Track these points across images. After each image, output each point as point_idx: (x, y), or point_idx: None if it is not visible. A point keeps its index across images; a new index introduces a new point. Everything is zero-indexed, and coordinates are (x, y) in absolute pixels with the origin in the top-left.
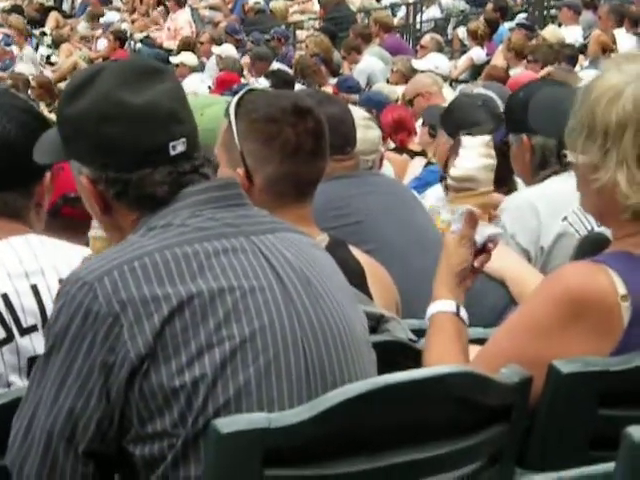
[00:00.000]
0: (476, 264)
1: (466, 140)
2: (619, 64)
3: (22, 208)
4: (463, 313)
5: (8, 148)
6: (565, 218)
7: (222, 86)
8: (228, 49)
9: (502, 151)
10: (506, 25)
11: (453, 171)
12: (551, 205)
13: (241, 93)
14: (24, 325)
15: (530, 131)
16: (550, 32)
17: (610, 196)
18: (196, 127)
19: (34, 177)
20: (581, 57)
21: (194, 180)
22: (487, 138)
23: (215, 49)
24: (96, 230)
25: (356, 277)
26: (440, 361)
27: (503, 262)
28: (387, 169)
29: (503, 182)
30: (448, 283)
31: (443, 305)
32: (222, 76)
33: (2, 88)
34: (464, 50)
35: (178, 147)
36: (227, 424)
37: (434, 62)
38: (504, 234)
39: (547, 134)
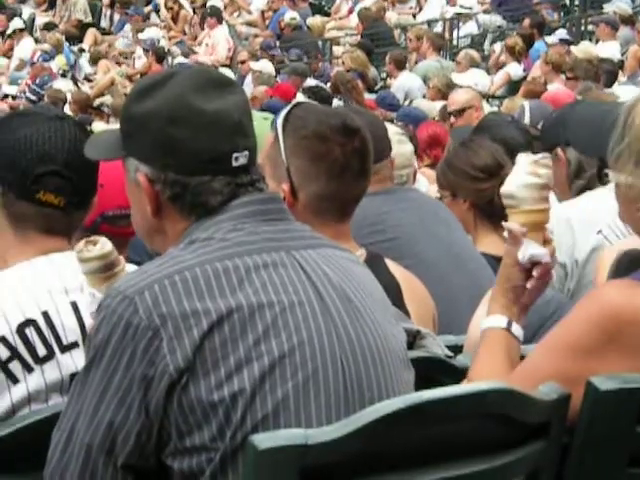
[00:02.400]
0: (528, 285)
1: (518, 157)
2: None
3: (63, 224)
4: (515, 329)
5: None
6: (600, 231)
7: (280, 92)
8: (266, 65)
9: None
10: (547, 39)
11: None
12: (586, 219)
13: (289, 107)
14: (64, 342)
15: (564, 143)
16: (582, 49)
17: None
18: (256, 142)
19: (88, 194)
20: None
21: (249, 193)
22: (537, 156)
23: (254, 65)
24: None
25: (392, 292)
26: (483, 376)
27: None
28: (422, 184)
29: None
30: (500, 299)
31: (494, 320)
32: (282, 85)
33: (46, 106)
34: (500, 66)
35: (240, 159)
36: (265, 440)
37: (474, 79)
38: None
39: (588, 153)
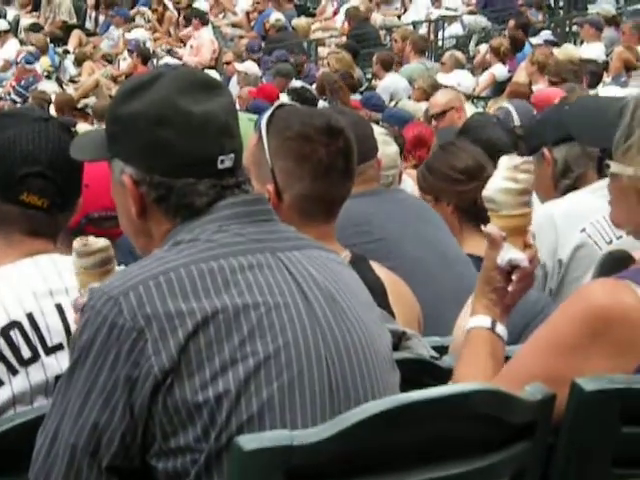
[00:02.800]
0: (509, 289)
1: (500, 161)
2: None
3: (48, 226)
4: (500, 329)
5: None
6: (584, 230)
7: (263, 93)
8: (251, 67)
9: None
10: (532, 40)
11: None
12: (569, 217)
13: (272, 109)
14: (49, 344)
15: (551, 143)
16: (563, 52)
17: None
18: (242, 144)
19: (72, 196)
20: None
21: (234, 195)
22: (517, 161)
23: (239, 66)
24: (73, 267)
25: (377, 293)
26: (468, 377)
27: None
28: (408, 185)
29: None
30: (482, 300)
31: (478, 321)
32: (265, 86)
33: (30, 107)
34: (486, 67)
35: (226, 162)
36: (250, 441)
37: (457, 79)
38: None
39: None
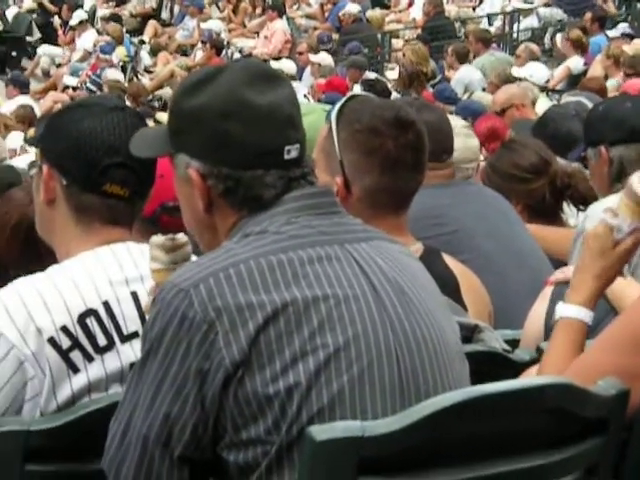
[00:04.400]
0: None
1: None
2: None
3: (126, 215)
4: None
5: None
6: None
7: (332, 86)
8: (325, 58)
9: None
10: (609, 33)
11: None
12: None
13: (344, 100)
14: (125, 332)
15: (608, 142)
16: (634, 47)
17: None
18: (305, 135)
19: (149, 184)
20: None
21: (301, 186)
22: None
23: (313, 57)
24: (153, 264)
25: (450, 287)
26: (555, 370)
27: None
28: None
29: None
30: (584, 289)
31: (577, 312)
32: (334, 78)
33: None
34: (561, 60)
35: (292, 152)
36: (322, 431)
37: (529, 71)
38: None
39: None
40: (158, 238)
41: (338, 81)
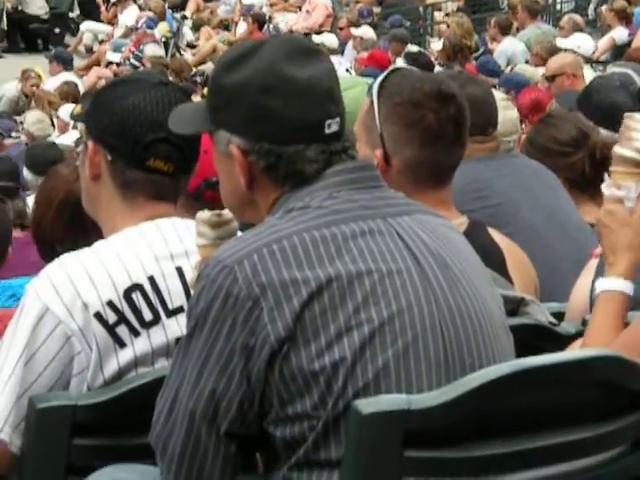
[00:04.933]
0: None
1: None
2: None
3: (171, 190)
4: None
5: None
6: None
7: (372, 61)
8: (367, 31)
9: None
10: None
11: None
12: None
13: (386, 73)
14: (170, 307)
15: None
16: None
17: None
18: (345, 109)
19: (193, 160)
20: None
21: (342, 161)
22: None
23: (355, 31)
24: (199, 239)
25: (495, 260)
26: (600, 343)
27: None
28: None
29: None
30: (623, 262)
31: (618, 284)
32: (376, 52)
33: (148, 72)
34: (605, 31)
35: (333, 126)
36: (369, 405)
37: (576, 42)
38: None
39: None
40: (204, 214)
41: (380, 55)
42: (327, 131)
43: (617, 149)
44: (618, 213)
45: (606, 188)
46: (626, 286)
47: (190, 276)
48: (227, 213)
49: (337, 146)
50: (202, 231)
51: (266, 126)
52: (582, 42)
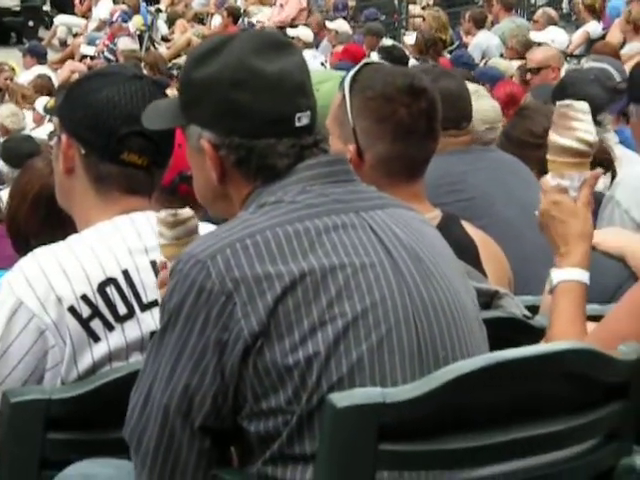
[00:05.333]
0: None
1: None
2: None
3: (145, 184)
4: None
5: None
6: None
7: (346, 55)
8: (342, 25)
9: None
10: None
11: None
12: None
13: (357, 67)
14: (145, 301)
15: None
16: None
17: None
18: (316, 103)
19: (168, 153)
20: None
21: (314, 155)
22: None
23: (330, 25)
24: (159, 239)
25: (469, 253)
26: (567, 335)
27: (622, 239)
28: None
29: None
30: (576, 251)
31: (575, 274)
32: (350, 46)
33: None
34: (580, 25)
35: (303, 119)
36: (343, 398)
37: (551, 36)
38: (618, 209)
39: None
40: (161, 214)
41: (354, 48)
42: (298, 124)
43: (557, 139)
44: (565, 203)
45: (552, 179)
46: (584, 275)
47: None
48: (184, 212)
49: (308, 140)
50: (160, 231)
51: (236, 120)
52: (556, 36)
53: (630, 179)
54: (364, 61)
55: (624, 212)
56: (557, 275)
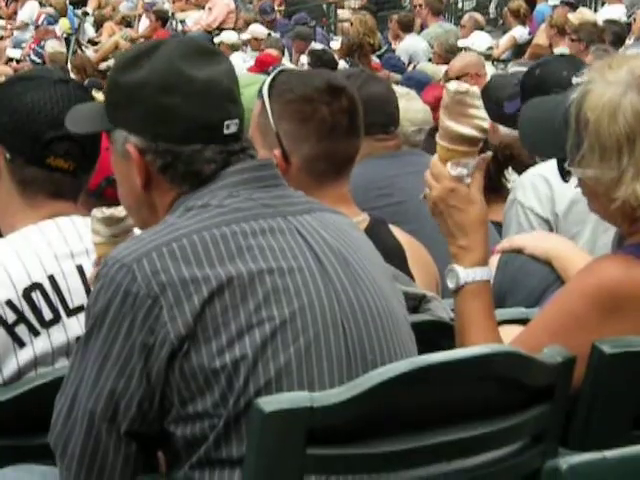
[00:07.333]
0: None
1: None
2: (603, 75)
3: (71, 188)
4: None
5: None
6: (577, 185)
7: (261, 66)
8: (256, 29)
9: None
10: (550, 2)
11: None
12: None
13: (273, 74)
14: (71, 306)
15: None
16: (578, 16)
17: (627, 204)
18: (244, 111)
19: (95, 157)
20: None
21: (241, 160)
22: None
23: (244, 35)
24: (95, 237)
25: (397, 257)
26: (485, 339)
27: (548, 242)
28: None
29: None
30: (477, 249)
31: (480, 273)
32: (262, 56)
33: (48, 69)
34: (507, 29)
35: (231, 127)
36: (270, 403)
37: (471, 39)
38: (522, 209)
39: (546, 155)
40: (97, 211)
41: (265, 59)
42: (226, 132)
43: (455, 126)
44: (462, 190)
45: (452, 169)
46: (488, 273)
47: (90, 274)
48: (121, 210)
49: (235, 147)
50: (96, 229)
51: (163, 125)
52: (476, 39)
53: (526, 180)
54: (278, 69)
55: (529, 210)
56: (464, 275)
